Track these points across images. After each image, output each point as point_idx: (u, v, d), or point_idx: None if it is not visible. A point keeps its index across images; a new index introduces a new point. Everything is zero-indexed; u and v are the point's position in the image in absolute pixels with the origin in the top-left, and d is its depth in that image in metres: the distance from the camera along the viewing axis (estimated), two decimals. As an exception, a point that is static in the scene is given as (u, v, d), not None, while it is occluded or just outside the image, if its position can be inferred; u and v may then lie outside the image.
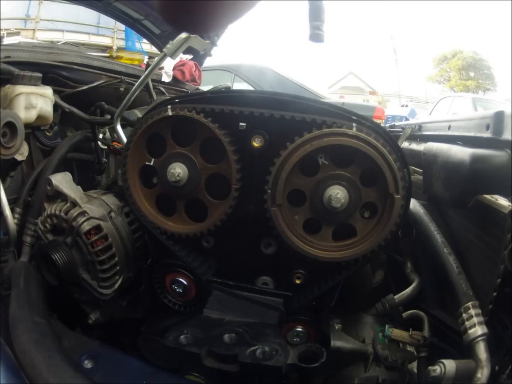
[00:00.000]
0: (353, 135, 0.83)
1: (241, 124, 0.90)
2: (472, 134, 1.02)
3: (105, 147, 1.47)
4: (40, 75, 1.23)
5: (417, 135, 1.53)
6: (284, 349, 0.81)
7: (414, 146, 1.49)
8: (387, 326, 1.09)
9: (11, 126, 1.05)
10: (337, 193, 0.84)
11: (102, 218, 0.99)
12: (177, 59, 2.16)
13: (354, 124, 0.84)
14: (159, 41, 2.36)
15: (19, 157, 1.15)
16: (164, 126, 0.95)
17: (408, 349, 1.11)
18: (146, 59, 3.42)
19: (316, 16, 1.02)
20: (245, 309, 0.95)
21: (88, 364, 0.79)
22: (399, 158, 0.86)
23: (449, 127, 1.20)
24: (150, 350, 1.05)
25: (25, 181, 1.24)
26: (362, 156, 0.84)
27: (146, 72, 1.17)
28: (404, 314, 1.15)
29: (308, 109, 0.88)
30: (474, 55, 28.52)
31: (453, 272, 0.97)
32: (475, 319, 0.86)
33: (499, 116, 0.91)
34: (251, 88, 5.49)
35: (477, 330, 0.84)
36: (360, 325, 1.17)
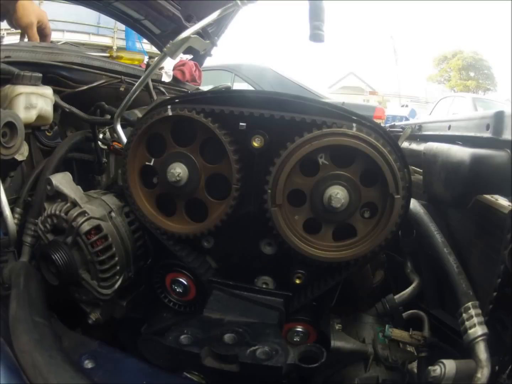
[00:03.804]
0: (353, 135, 0.83)
1: (241, 124, 0.90)
2: (472, 134, 1.02)
3: (105, 147, 1.47)
4: (40, 75, 1.23)
5: (417, 135, 1.53)
6: (284, 349, 0.81)
7: (414, 146, 1.49)
8: (387, 326, 1.09)
9: (11, 126, 1.05)
10: (337, 193, 0.84)
11: (102, 218, 0.99)
12: (177, 59, 2.16)
13: (354, 124, 0.84)
14: (159, 41, 2.37)
15: (19, 157, 1.15)
16: (164, 126, 0.95)
17: (408, 349, 1.11)
18: (146, 59, 3.42)
19: (316, 16, 1.02)
20: (245, 309, 0.95)
21: (88, 364, 0.78)
22: (399, 158, 0.86)
23: (449, 127, 1.20)
24: (150, 350, 1.05)
25: (25, 181, 1.23)
26: (362, 156, 0.84)
27: (146, 72, 1.17)
28: (404, 314, 1.15)
29: (308, 109, 0.88)
30: (474, 55, 28.53)
31: (453, 272, 0.97)
32: (475, 319, 0.86)
33: (499, 116, 0.91)
34: (251, 88, 5.50)
35: (477, 330, 0.84)
36: (360, 325, 1.17)
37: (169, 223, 0.99)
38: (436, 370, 0.84)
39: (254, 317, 0.92)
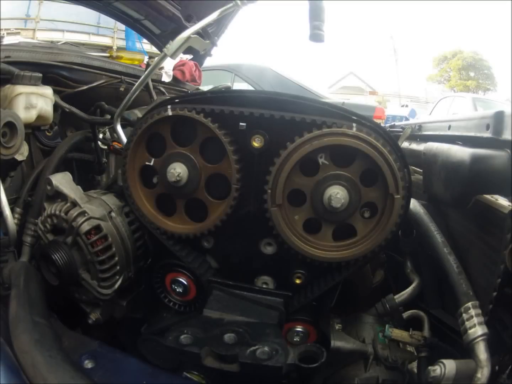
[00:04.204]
0: (353, 135, 0.83)
1: (241, 124, 0.90)
2: (472, 134, 1.02)
3: (105, 147, 1.47)
4: (40, 75, 1.23)
5: (417, 135, 1.53)
6: (284, 349, 0.81)
7: (414, 146, 1.49)
8: (387, 326, 1.09)
9: (11, 126, 1.05)
10: (337, 193, 0.84)
11: (102, 218, 0.99)
12: (177, 59, 2.16)
13: (354, 124, 0.84)
14: (159, 41, 2.36)
15: (19, 157, 1.15)
16: (164, 126, 0.95)
17: (408, 349, 1.11)
18: (146, 59, 3.43)
19: (316, 16, 1.02)
20: (245, 309, 0.95)
21: (88, 364, 0.78)
22: (399, 158, 0.86)
23: (449, 127, 1.20)
24: (150, 350, 1.05)
25: (25, 181, 1.24)
26: (362, 156, 0.84)
27: (146, 72, 1.17)
28: (404, 314, 1.15)
29: (308, 109, 0.88)
30: (474, 55, 28.51)
31: (453, 272, 0.97)
32: (475, 319, 0.86)
33: (499, 116, 0.91)
34: (251, 88, 5.50)
35: (477, 330, 0.84)
36: (360, 325, 1.17)
37: (169, 223, 0.99)
38: (436, 370, 0.84)
39: (254, 317, 0.92)
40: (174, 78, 2.15)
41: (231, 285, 0.99)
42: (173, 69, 2.15)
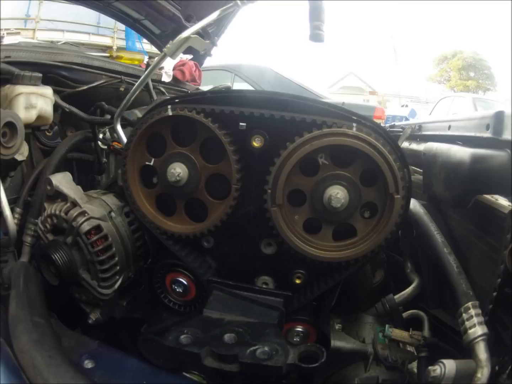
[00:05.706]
0: (353, 135, 0.83)
1: (241, 124, 0.90)
2: (472, 134, 1.02)
3: (105, 147, 1.47)
4: (40, 75, 1.23)
5: (417, 135, 1.53)
6: (284, 349, 0.81)
7: (414, 146, 1.49)
8: (387, 326, 1.09)
9: (11, 126, 1.05)
10: (337, 193, 0.84)
11: (102, 218, 0.99)
12: (177, 59, 2.16)
13: (354, 124, 0.84)
14: (159, 41, 2.36)
15: (19, 157, 1.15)
16: (164, 126, 0.95)
17: (408, 349, 1.11)
18: (146, 59, 3.43)
19: (316, 16, 1.02)
20: (245, 309, 0.95)
21: (88, 364, 0.78)
22: (399, 158, 0.86)
23: (449, 127, 1.20)
24: (150, 350, 1.05)
25: (25, 181, 1.23)
26: (362, 156, 0.84)
27: (146, 72, 1.17)
28: (404, 314, 1.15)
29: (308, 109, 0.88)
30: (474, 55, 28.53)
31: (453, 272, 0.97)
32: (475, 319, 0.86)
33: (499, 116, 0.91)
34: (251, 88, 5.50)
35: (477, 330, 0.84)
36: (360, 325, 1.17)
37: (169, 223, 0.99)
38: (436, 370, 0.84)
39: (254, 317, 0.92)
40: (174, 78, 2.15)
41: (231, 285, 0.99)
42: (173, 69, 2.15)
